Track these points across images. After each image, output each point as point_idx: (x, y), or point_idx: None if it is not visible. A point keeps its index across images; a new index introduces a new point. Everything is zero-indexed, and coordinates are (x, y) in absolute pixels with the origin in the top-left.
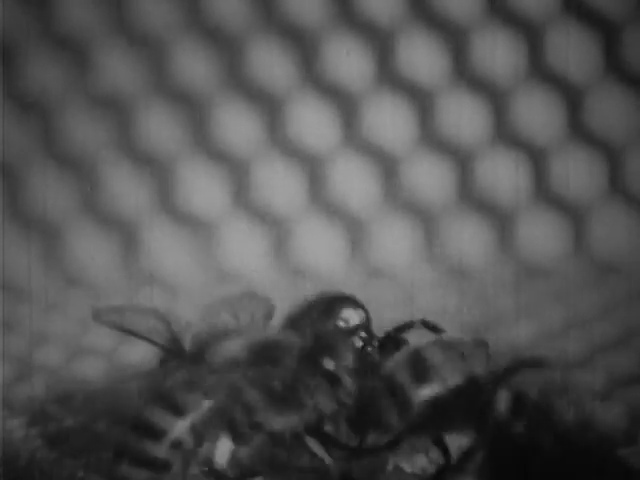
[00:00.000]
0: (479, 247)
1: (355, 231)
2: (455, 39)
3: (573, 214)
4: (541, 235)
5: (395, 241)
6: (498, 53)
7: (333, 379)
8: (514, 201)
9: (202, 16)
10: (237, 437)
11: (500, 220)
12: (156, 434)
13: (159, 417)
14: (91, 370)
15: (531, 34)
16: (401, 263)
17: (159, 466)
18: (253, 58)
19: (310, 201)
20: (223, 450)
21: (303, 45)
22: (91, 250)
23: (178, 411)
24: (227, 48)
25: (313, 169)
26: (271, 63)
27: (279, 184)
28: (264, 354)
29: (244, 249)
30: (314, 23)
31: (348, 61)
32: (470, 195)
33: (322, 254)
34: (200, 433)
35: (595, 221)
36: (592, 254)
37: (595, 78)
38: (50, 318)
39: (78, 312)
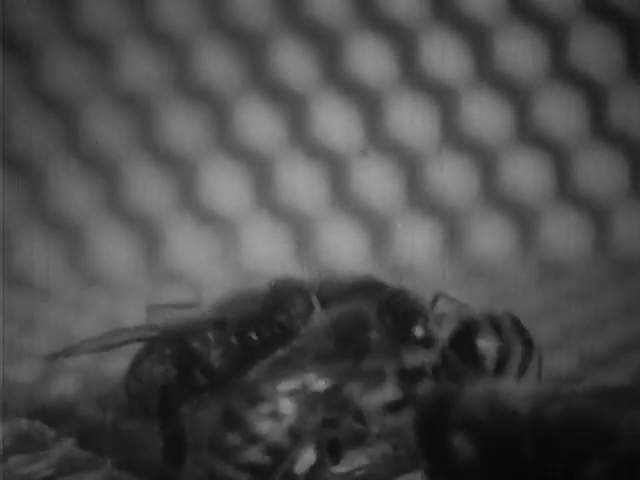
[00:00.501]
0: (502, 246)
1: (379, 230)
2: (478, 38)
3: (595, 213)
4: (564, 234)
5: (418, 240)
6: (521, 52)
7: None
8: (537, 200)
9: (225, 15)
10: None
11: (523, 219)
12: (251, 436)
13: (251, 416)
14: (117, 369)
15: (554, 33)
16: (424, 262)
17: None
18: (276, 57)
19: (334, 200)
20: (306, 460)
21: (326, 44)
22: (114, 248)
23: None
24: (250, 47)
25: (336, 168)
26: (294, 62)
27: (302, 183)
28: (348, 326)
29: (266, 247)
30: (337, 22)
31: (372, 60)
32: (493, 194)
33: (345, 252)
34: (297, 436)
35: (617, 219)
36: (614, 252)
37: (618, 77)
38: (73, 317)
39: (101, 311)
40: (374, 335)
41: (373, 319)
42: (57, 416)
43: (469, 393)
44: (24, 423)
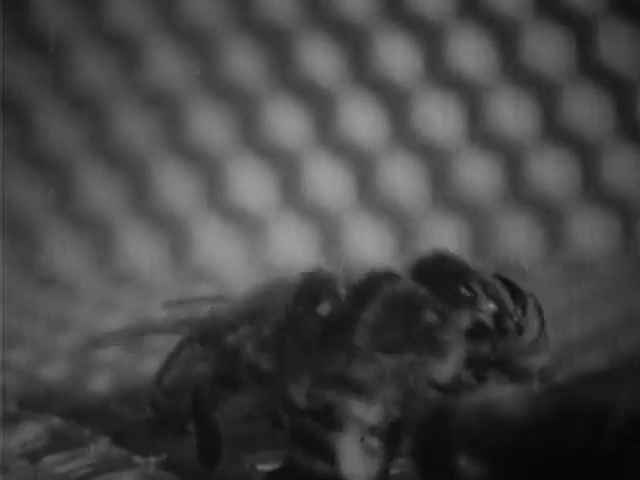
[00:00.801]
0: (528, 244)
1: (404, 227)
2: (506, 35)
3: (621, 211)
4: (591, 232)
5: (444, 238)
6: (548, 49)
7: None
8: (564, 198)
9: (254, 13)
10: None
11: (550, 217)
12: (336, 423)
13: (341, 402)
14: (150, 367)
15: (581, 30)
16: None
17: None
18: (304, 55)
19: (360, 197)
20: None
21: (354, 41)
22: (142, 247)
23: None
24: (278, 45)
25: (363, 165)
26: (321, 59)
27: (329, 180)
28: (402, 306)
29: (293, 245)
30: (365, 19)
31: (399, 57)
32: (520, 192)
33: (372, 249)
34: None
35: None
36: None
37: None
38: (102, 316)
39: (129, 310)
40: (429, 312)
41: (423, 294)
42: (91, 415)
43: (464, 408)
44: (58, 422)
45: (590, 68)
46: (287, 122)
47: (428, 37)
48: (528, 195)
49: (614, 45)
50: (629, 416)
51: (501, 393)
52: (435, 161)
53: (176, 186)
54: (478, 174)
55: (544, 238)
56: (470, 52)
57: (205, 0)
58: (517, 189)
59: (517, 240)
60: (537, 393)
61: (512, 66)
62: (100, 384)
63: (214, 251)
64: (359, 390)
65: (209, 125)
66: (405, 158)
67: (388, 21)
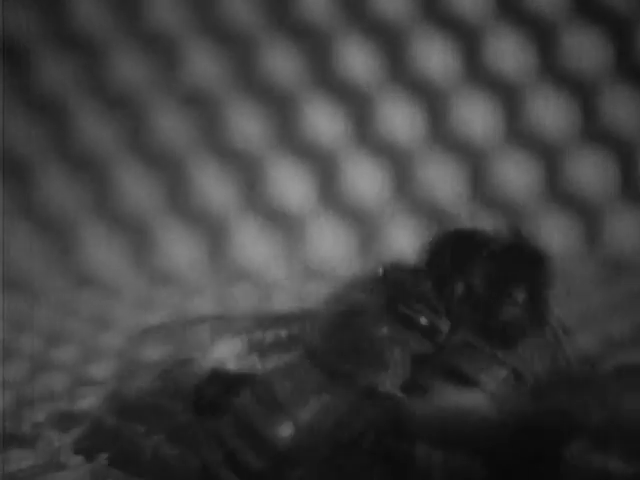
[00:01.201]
0: (566, 242)
1: (443, 226)
2: (542, 34)
3: None
4: (628, 231)
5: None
6: (586, 48)
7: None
8: (602, 197)
9: (289, 13)
10: None
11: (587, 216)
12: None
13: None
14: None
15: (618, 29)
16: None
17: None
18: (339, 54)
19: (397, 196)
20: None
21: (390, 41)
22: (180, 247)
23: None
24: (314, 45)
25: (400, 164)
26: (358, 59)
27: (366, 179)
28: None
29: (331, 244)
30: (400, 19)
31: (436, 57)
32: (558, 190)
33: (409, 247)
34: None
35: None
36: None
37: None
38: (142, 315)
39: (169, 309)
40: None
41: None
42: (143, 412)
43: (432, 406)
44: (112, 419)
45: (626, 68)
46: (324, 121)
47: (465, 36)
48: (566, 193)
49: None
50: (593, 423)
51: (473, 395)
52: (474, 160)
53: (214, 185)
54: (516, 173)
55: (582, 236)
56: (508, 52)
57: (243, 0)
58: (554, 187)
59: (556, 238)
60: (509, 392)
61: (550, 65)
62: (145, 381)
63: (252, 251)
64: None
65: (247, 124)
66: (445, 157)
67: (425, 21)
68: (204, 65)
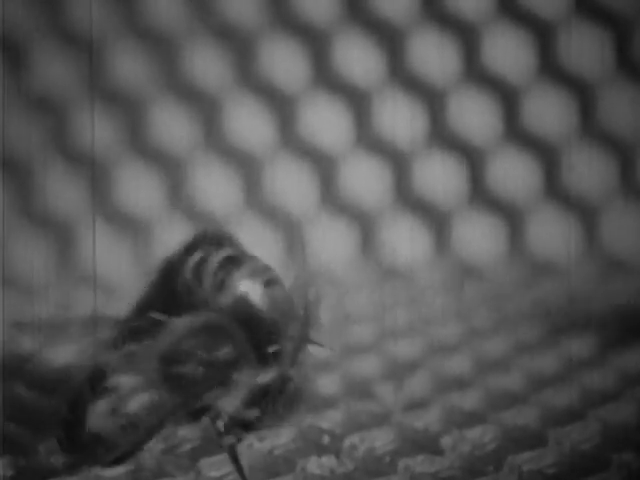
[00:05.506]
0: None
1: (441, 228)
2: (542, 35)
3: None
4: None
5: (482, 240)
6: (587, 50)
7: None
8: (600, 195)
9: (288, 12)
10: None
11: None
12: None
13: None
14: None
15: (618, 29)
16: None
17: None
18: (337, 54)
19: (396, 197)
20: None
21: (389, 41)
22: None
23: None
24: (315, 44)
25: (400, 165)
26: (356, 59)
27: (366, 180)
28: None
29: (332, 243)
30: (399, 19)
31: (436, 56)
32: (556, 191)
33: (408, 247)
34: None
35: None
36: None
37: None
38: None
39: None
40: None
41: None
42: None
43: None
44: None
45: (628, 68)
46: (326, 122)
47: (465, 36)
48: (563, 194)
49: None
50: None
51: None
52: (472, 160)
53: (214, 184)
54: (515, 174)
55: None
56: (507, 51)
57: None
58: (554, 189)
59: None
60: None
61: (549, 67)
62: None
63: (253, 248)
64: None
65: (248, 126)
66: (443, 157)
67: (424, 20)
68: (205, 62)
